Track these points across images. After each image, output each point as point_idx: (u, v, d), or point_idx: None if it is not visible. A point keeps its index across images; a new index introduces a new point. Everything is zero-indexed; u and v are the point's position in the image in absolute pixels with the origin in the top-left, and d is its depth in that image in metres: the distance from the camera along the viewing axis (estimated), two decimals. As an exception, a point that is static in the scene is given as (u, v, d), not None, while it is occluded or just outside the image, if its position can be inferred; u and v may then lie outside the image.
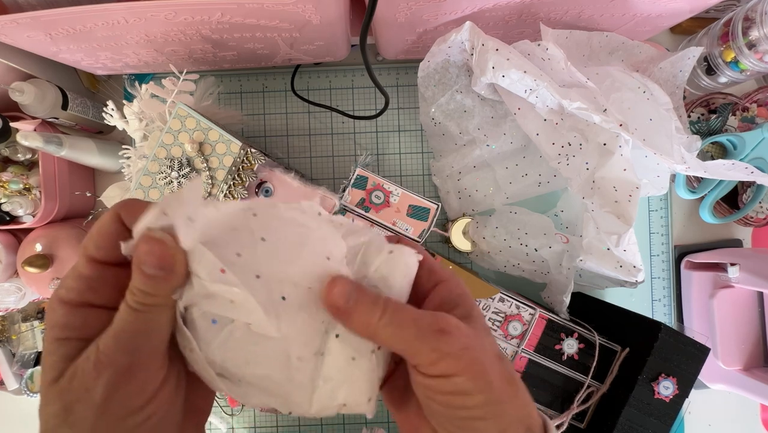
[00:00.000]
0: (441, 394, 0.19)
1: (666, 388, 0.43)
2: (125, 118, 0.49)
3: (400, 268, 0.21)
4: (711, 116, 0.55)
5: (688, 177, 0.55)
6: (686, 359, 0.43)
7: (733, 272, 0.51)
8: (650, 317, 0.55)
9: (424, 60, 0.48)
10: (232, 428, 0.57)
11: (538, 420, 0.21)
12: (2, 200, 0.50)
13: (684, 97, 0.53)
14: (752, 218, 0.55)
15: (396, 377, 0.23)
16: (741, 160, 0.51)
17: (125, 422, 0.17)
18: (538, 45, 0.43)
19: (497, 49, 0.41)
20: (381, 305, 0.19)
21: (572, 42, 0.48)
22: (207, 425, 0.57)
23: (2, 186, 0.49)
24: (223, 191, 0.45)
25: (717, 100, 0.55)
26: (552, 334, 0.48)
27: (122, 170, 0.51)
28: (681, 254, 0.58)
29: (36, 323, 0.55)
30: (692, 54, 0.47)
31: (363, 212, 0.50)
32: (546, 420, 0.21)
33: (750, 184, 0.54)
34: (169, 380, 0.19)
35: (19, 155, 0.51)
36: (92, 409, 0.17)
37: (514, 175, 0.53)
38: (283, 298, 0.19)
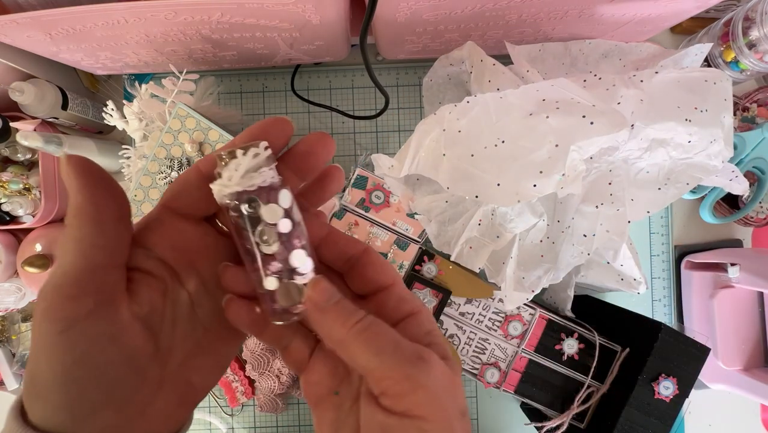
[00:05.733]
0: None
1: (666, 388, 0.43)
2: (125, 118, 0.49)
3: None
4: (711, 116, 0.55)
5: (688, 177, 0.55)
6: (686, 359, 0.43)
7: (733, 272, 0.51)
8: (650, 317, 0.55)
9: (426, 77, 0.51)
10: (232, 428, 0.57)
11: None
12: (2, 200, 0.50)
13: (684, 97, 0.53)
14: (752, 218, 0.55)
15: (315, 371, 0.21)
16: (742, 160, 0.51)
17: None
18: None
19: (494, 65, 0.43)
20: (359, 315, 0.18)
21: (547, 54, 0.48)
22: (207, 426, 0.57)
23: (2, 186, 0.49)
24: (223, 191, 0.45)
25: (717, 100, 0.55)
26: (552, 334, 0.48)
27: (122, 170, 0.51)
28: (681, 254, 0.58)
29: (36, 323, 0.55)
30: (699, 51, 0.45)
31: (363, 212, 0.50)
32: None
33: (751, 183, 0.54)
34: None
35: (18, 155, 0.51)
36: None
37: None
38: None
